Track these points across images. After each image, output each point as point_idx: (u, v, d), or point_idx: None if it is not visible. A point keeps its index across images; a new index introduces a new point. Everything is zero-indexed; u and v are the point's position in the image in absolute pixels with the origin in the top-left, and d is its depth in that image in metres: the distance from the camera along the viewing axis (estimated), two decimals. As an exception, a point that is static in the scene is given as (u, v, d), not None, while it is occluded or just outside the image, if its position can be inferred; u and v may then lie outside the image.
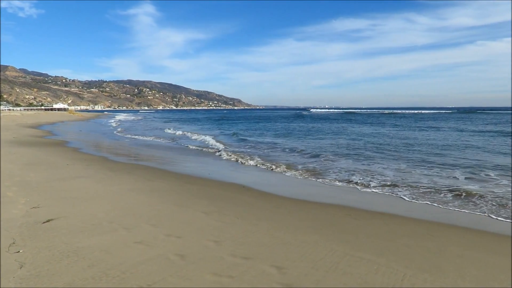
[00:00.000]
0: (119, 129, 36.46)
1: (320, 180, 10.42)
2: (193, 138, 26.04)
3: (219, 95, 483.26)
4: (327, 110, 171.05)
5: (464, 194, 8.46)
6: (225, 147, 19.02)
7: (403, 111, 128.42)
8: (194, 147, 19.44)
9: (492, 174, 10.97)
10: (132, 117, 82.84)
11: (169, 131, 33.85)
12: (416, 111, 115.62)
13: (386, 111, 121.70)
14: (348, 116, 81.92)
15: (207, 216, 6.25)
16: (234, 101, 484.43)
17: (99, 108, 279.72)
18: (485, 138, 24.60)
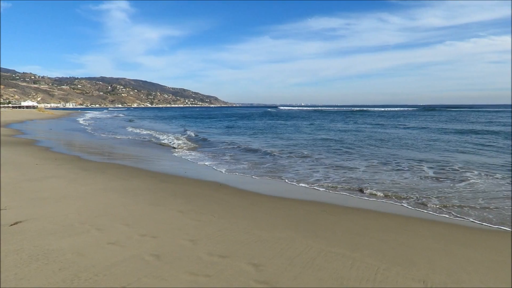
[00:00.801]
0: (91, 128, 35.48)
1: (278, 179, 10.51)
2: (159, 137, 25.81)
3: (195, 93, 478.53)
4: (292, 107, 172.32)
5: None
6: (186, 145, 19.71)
7: (373, 108, 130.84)
8: (157, 144, 19.27)
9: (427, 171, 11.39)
10: (105, 115, 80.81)
11: (136, 130, 33.49)
12: (383, 109, 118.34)
13: (356, 109, 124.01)
14: (313, 113, 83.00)
15: (183, 215, 6.18)
16: (211, 98, 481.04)
17: (71, 106, 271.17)
18: (414, 132, 26.74)
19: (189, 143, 20.74)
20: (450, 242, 5.20)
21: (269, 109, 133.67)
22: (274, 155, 15.06)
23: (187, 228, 5.43)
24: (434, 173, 10.97)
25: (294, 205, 7.25)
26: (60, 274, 3.79)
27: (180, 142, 21.40)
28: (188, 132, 29.43)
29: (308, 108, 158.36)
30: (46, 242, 4.65)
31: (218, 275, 3.87)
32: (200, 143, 21.29)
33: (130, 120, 53.55)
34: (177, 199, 7.35)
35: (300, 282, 3.77)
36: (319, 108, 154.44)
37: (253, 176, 10.60)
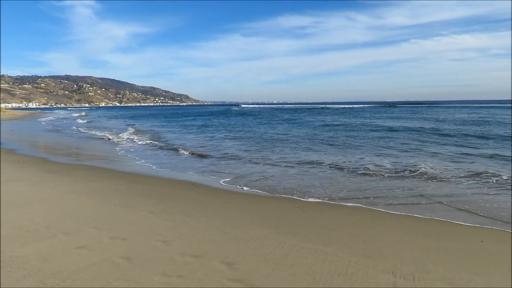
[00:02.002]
0: (59, 128, 34.12)
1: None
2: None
3: (165, 91, 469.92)
4: (255, 105, 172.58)
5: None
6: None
7: (338, 105, 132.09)
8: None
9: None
10: (71, 114, 77.81)
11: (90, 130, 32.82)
12: (348, 106, 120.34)
13: (320, 106, 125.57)
14: (273, 111, 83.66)
15: (155, 215, 6.07)
16: (182, 97, 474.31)
17: (34, 106, 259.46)
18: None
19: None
20: (417, 234, 5.40)
21: (235, 107, 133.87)
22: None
23: (159, 229, 5.34)
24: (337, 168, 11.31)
25: (267, 202, 7.29)
26: (25, 282, 3.63)
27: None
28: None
29: (273, 105, 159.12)
30: (9, 249, 4.44)
31: (191, 275, 3.83)
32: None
33: (88, 121, 51.59)
34: (148, 199, 7.21)
35: (274, 279, 3.80)
36: (284, 106, 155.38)
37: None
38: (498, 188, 8.36)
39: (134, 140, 21.01)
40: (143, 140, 20.96)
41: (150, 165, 12.01)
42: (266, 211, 6.61)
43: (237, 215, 6.25)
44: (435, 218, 6.33)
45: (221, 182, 9.40)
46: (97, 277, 3.76)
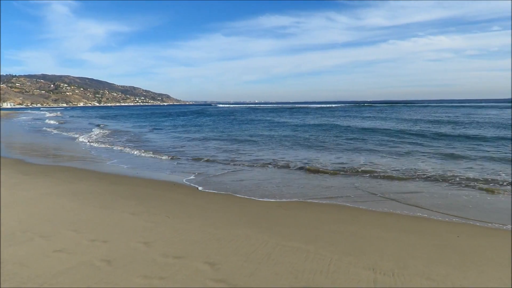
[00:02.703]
0: (34, 128, 33.17)
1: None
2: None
3: (146, 91, 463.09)
4: (230, 105, 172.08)
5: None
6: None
7: (317, 105, 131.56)
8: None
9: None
10: (45, 115, 75.35)
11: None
12: (324, 105, 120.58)
13: (298, 106, 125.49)
14: (247, 110, 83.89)
15: (136, 217, 5.99)
16: (163, 96, 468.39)
17: (9, 106, 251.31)
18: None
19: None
20: (397, 231, 5.51)
21: (210, 107, 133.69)
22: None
23: (140, 231, 5.27)
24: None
25: (250, 201, 7.29)
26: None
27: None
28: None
29: (249, 105, 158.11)
30: (-18, 254, 4.29)
31: (173, 277, 3.79)
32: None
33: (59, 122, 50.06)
34: (128, 201, 7.10)
35: (257, 278, 3.80)
36: (258, 106, 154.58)
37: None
38: (437, 185, 8.62)
39: (103, 140, 20.88)
40: (112, 140, 21.00)
41: (124, 166, 11.83)
42: (249, 210, 6.61)
43: (219, 215, 6.23)
44: (414, 214, 6.48)
45: (184, 180, 9.36)
46: (76, 280, 3.69)
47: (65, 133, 26.84)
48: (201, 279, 3.76)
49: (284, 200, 7.47)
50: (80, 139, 21.57)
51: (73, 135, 24.88)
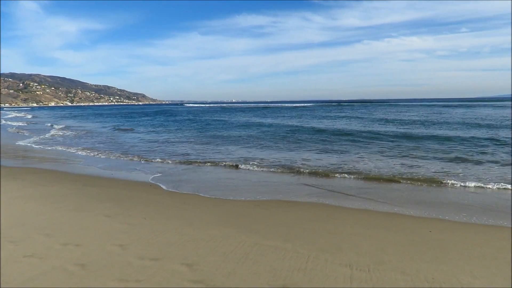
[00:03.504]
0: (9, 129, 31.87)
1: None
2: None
3: (121, 90, 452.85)
4: (200, 104, 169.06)
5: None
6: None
7: (288, 104, 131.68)
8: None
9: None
10: (7, 115, 71.70)
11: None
12: (295, 105, 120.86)
13: (273, 105, 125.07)
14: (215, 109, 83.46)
15: (111, 219, 5.85)
16: (138, 96, 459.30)
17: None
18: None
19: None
20: (372, 227, 5.62)
21: (183, 106, 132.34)
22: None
23: (115, 233, 5.15)
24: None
25: (228, 201, 7.27)
26: (-34, 296, 3.36)
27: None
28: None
29: (224, 105, 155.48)
30: None
31: (150, 279, 3.73)
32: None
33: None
34: (103, 203, 6.93)
35: (235, 278, 3.79)
36: (233, 105, 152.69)
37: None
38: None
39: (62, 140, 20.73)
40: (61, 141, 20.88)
41: (94, 167, 11.55)
42: (227, 210, 6.59)
43: (197, 216, 6.17)
44: (387, 211, 6.63)
45: (149, 179, 9.27)
46: (48, 286, 3.56)
47: (30, 134, 26.01)
48: (179, 280, 3.72)
49: (261, 199, 7.49)
50: (29, 140, 21.13)
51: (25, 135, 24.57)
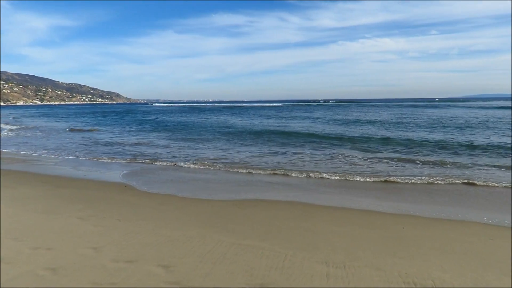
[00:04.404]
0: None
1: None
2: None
3: (93, 89, 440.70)
4: (168, 104, 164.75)
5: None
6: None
7: (258, 104, 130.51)
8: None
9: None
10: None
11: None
12: (264, 104, 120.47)
13: (245, 105, 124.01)
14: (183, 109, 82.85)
15: (83, 221, 5.69)
16: (112, 95, 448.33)
17: None
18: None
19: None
20: (348, 225, 5.72)
21: (153, 105, 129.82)
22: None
23: (88, 236, 5.01)
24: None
25: (205, 202, 7.21)
26: None
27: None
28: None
29: (195, 104, 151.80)
30: None
31: (124, 282, 3.65)
32: None
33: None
34: (75, 205, 6.73)
35: (212, 278, 3.77)
36: (194, 104, 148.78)
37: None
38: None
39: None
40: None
41: (69, 167, 11.22)
42: (203, 210, 6.54)
43: (173, 216, 6.09)
44: (362, 208, 6.77)
45: (120, 175, 9.12)
46: (17, 292, 3.43)
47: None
48: (155, 282, 3.66)
49: (238, 198, 7.48)
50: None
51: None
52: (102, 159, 13.32)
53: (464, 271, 4.01)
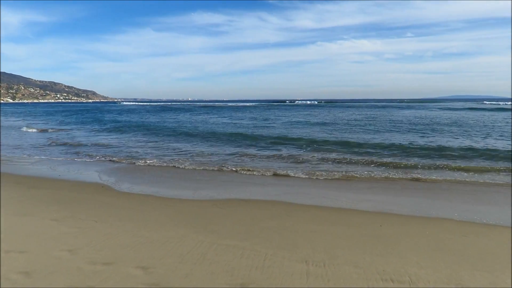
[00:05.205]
0: None
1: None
2: None
3: (69, 87, 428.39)
4: (137, 103, 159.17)
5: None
6: None
7: (236, 104, 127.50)
8: None
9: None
10: None
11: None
12: (241, 104, 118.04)
13: (220, 104, 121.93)
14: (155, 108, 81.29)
15: (59, 223, 5.53)
16: (88, 93, 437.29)
17: None
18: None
19: None
20: (327, 223, 5.79)
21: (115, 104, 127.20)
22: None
23: (63, 238, 4.87)
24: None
25: (184, 202, 7.14)
26: None
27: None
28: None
29: (169, 103, 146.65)
30: None
31: (102, 284, 3.57)
32: None
33: None
34: (50, 206, 6.53)
35: (192, 279, 3.74)
36: (167, 104, 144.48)
37: None
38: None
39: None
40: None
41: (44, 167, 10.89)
42: (183, 211, 6.47)
43: (152, 217, 6.01)
44: (341, 207, 6.86)
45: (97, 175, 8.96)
46: (-12, 298, 3.30)
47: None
48: (133, 284, 3.59)
49: (219, 198, 7.44)
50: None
51: None
52: (73, 158, 13.00)
53: (439, 267, 4.13)
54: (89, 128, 27.94)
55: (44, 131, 26.14)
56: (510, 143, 15.71)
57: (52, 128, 28.04)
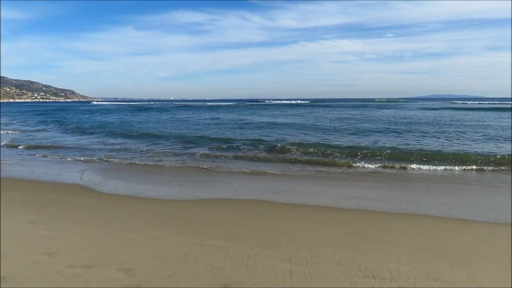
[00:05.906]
0: None
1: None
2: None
3: (46, 86, 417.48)
4: (108, 102, 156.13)
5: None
6: None
7: (217, 103, 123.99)
8: None
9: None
10: None
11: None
12: (219, 103, 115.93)
13: (200, 104, 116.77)
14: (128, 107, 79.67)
15: (36, 226, 5.38)
16: (67, 92, 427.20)
17: None
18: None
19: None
20: (310, 222, 5.83)
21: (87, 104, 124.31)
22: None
23: (41, 241, 4.75)
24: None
25: (167, 202, 7.07)
26: None
27: None
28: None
29: (146, 103, 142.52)
30: None
31: (82, 288, 3.49)
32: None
33: None
34: (27, 208, 6.35)
35: (175, 280, 3.70)
36: (143, 103, 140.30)
37: None
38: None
39: None
40: None
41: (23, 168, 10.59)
42: (165, 211, 6.40)
43: (134, 218, 5.92)
44: (323, 205, 6.93)
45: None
46: (-39, 305, 3.18)
47: None
48: (115, 287, 3.53)
49: (202, 198, 7.40)
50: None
51: None
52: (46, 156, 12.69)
53: (419, 263, 4.22)
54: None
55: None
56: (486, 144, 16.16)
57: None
